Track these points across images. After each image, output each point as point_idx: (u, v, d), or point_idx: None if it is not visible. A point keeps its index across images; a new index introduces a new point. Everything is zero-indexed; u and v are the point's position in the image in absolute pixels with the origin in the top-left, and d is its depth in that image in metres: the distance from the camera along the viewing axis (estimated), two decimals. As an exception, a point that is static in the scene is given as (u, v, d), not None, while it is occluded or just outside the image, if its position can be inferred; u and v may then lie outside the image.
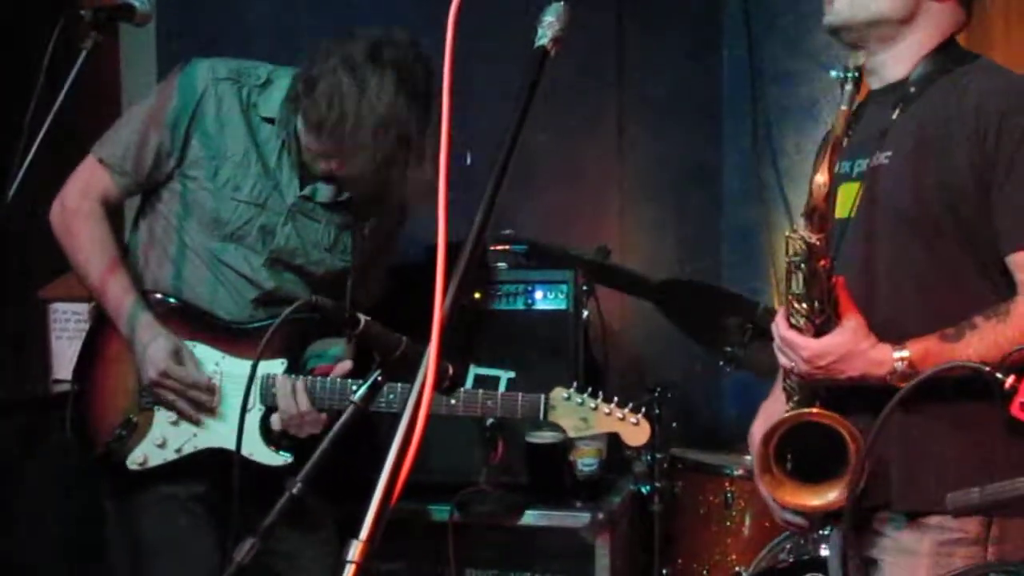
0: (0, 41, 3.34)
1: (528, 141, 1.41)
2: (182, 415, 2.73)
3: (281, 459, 2.73)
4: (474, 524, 3.21)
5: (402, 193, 2.81)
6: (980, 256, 2.09)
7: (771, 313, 2.21)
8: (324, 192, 2.80)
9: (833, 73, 2.10)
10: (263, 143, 2.77)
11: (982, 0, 2.32)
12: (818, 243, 2.01)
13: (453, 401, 2.72)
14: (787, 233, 2.05)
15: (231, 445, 2.58)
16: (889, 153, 2.16)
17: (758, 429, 2.30)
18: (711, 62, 4.31)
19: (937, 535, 2.09)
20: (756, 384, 2.70)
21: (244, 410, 2.51)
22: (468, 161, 3.10)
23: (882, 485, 2.11)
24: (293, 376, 2.72)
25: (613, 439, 3.03)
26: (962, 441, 2.09)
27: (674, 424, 3.45)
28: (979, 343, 2.00)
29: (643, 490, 3.44)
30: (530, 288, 3.36)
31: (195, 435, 2.74)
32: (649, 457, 3.38)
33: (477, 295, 3.35)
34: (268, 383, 2.73)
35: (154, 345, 2.68)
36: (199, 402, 2.72)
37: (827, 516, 2.23)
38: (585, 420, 2.75)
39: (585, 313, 3.42)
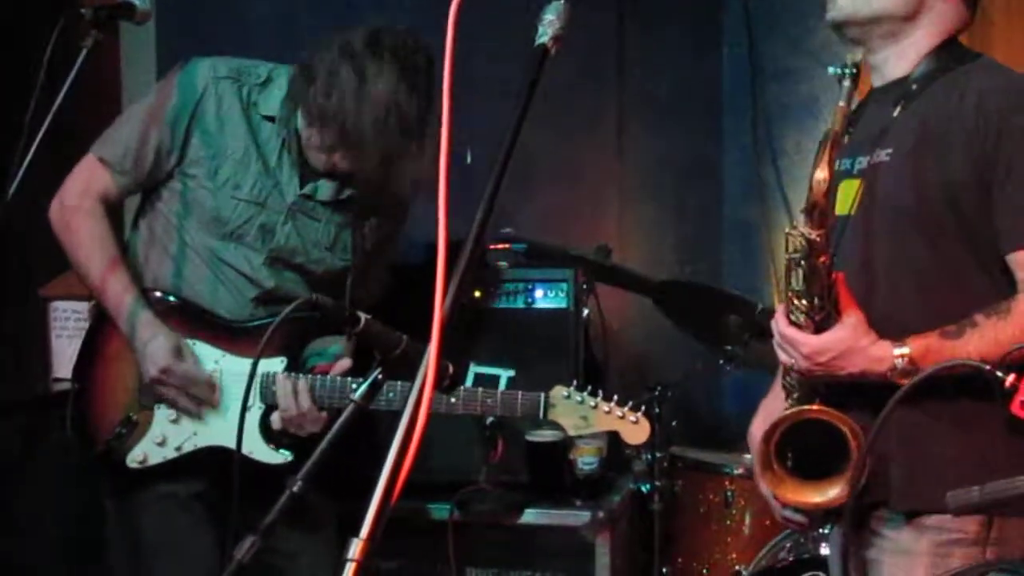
0: (0, 40, 3.34)
1: (528, 140, 1.41)
2: (184, 412, 2.73)
3: (281, 457, 2.73)
4: (474, 523, 3.21)
5: (403, 189, 2.81)
6: (980, 254, 2.09)
7: (771, 313, 2.20)
8: (325, 190, 2.80)
9: (831, 69, 2.10)
10: (263, 142, 2.77)
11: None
12: (818, 239, 2.01)
13: (453, 400, 2.71)
14: (787, 229, 2.05)
15: (231, 443, 2.58)
16: (890, 150, 2.15)
17: (758, 427, 2.30)
18: (711, 60, 4.30)
19: (935, 535, 2.09)
20: (756, 383, 2.69)
21: (244, 408, 2.50)
22: (468, 160, 3.10)
23: (882, 482, 2.11)
24: (293, 374, 2.72)
25: (613, 438, 3.02)
26: (962, 439, 2.09)
27: (674, 423, 3.44)
28: (979, 341, 2.00)
29: (643, 489, 3.43)
30: (530, 287, 3.36)
31: (195, 433, 2.74)
32: (649, 456, 3.37)
33: (477, 294, 3.35)
34: (268, 381, 2.72)
35: (155, 342, 2.68)
36: (200, 398, 2.72)
37: (827, 514, 2.23)
38: (585, 419, 2.75)
39: (585, 312, 3.42)
